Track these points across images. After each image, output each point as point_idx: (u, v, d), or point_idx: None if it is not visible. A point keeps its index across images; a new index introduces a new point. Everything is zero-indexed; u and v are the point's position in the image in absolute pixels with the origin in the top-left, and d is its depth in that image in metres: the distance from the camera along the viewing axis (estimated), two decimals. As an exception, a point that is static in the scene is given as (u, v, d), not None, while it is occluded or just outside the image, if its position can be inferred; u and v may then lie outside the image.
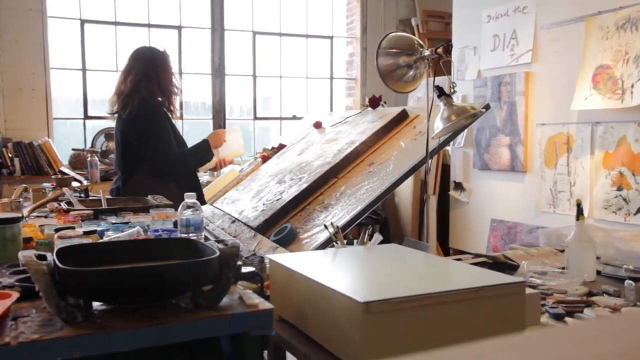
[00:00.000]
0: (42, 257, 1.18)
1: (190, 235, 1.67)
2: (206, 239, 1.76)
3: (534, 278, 1.82)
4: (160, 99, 3.03)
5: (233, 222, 2.85)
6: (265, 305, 1.27)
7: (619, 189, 3.28)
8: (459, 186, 4.52)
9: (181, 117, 5.35)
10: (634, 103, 3.06)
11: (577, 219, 1.88)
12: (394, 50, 2.33)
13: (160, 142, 2.93)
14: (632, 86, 3.09)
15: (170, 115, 3.08)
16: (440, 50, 2.23)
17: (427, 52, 2.29)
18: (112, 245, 1.40)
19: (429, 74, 2.42)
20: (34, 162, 4.55)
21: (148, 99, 2.97)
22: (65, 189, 2.48)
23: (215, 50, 5.53)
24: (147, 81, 2.98)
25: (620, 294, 1.68)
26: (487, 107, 2.39)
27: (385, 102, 3.59)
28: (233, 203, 3.17)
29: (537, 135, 3.80)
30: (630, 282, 1.64)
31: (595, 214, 3.36)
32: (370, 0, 5.94)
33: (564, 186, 3.60)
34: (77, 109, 5.15)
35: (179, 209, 1.71)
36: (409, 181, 4.50)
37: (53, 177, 3.82)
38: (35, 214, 2.30)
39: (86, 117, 5.14)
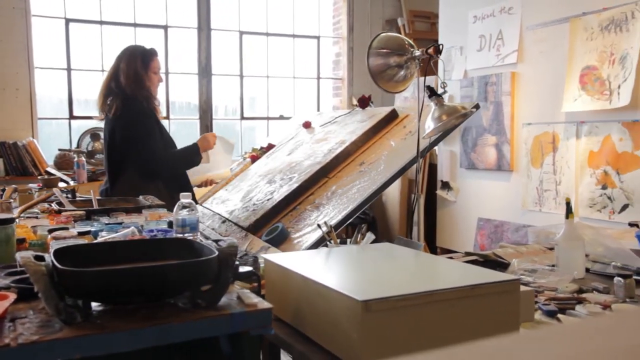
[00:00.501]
0: (39, 258, 1.18)
1: (186, 235, 1.67)
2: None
3: (524, 276, 1.84)
4: (144, 97, 3.01)
5: (223, 222, 2.84)
6: (264, 304, 1.27)
7: (604, 187, 3.33)
8: (446, 185, 4.55)
9: (167, 117, 5.33)
10: (621, 104, 3.11)
11: (567, 217, 1.91)
12: (385, 50, 2.35)
13: (146, 143, 2.91)
14: (619, 87, 3.13)
15: (156, 115, 3.06)
16: (431, 50, 2.25)
17: (417, 53, 2.30)
18: (109, 246, 1.40)
19: (419, 74, 2.44)
20: (18, 163, 4.50)
21: (132, 99, 2.95)
22: (55, 190, 2.47)
23: (201, 50, 5.51)
24: (117, 81, 2.98)
25: (610, 291, 1.70)
26: (477, 106, 2.42)
27: (372, 102, 3.61)
28: (223, 203, 3.17)
29: (523, 135, 3.84)
30: (620, 279, 1.67)
31: (580, 212, 3.41)
32: (357, 1, 5.96)
33: (550, 185, 3.64)
34: (62, 108, 5.11)
35: (175, 208, 1.71)
36: (397, 180, 4.53)
37: (39, 177, 3.78)
38: (24, 214, 2.28)
39: (71, 117, 5.10)
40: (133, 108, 2.94)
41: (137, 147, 2.91)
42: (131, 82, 2.94)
